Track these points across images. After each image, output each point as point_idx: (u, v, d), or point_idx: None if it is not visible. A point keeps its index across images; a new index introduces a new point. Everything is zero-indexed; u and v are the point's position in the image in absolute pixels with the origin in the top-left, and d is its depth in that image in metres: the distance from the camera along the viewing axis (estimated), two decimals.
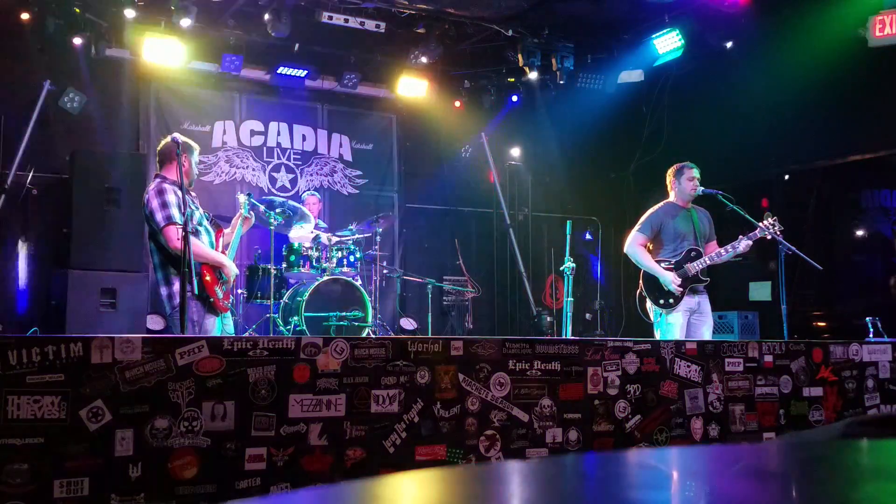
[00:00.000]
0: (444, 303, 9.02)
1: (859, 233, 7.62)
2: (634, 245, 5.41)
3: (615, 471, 0.68)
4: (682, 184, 5.44)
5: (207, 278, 4.40)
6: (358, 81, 8.54)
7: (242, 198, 5.29)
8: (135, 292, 6.80)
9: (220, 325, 4.52)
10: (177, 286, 4.33)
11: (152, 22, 7.48)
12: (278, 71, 8.17)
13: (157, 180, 4.49)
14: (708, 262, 5.28)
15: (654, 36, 8.16)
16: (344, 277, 6.84)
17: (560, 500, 0.59)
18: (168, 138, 4.49)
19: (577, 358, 3.34)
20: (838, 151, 7.54)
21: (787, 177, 8.07)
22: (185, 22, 7.24)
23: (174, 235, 4.30)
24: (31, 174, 7.12)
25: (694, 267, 5.27)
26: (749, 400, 3.74)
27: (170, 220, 4.32)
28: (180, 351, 2.63)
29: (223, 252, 4.72)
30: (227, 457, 2.66)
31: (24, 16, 7.15)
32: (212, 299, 4.38)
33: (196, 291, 4.25)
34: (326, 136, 8.94)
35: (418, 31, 8.05)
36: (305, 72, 8.23)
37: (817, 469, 0.68)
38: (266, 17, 7.38)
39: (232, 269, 4.58)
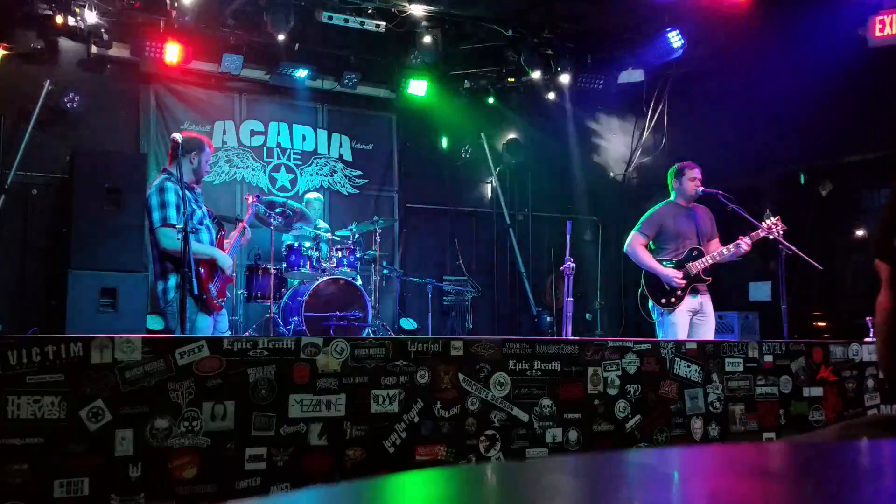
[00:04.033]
0: (444, 303, 9.02)
1: (859, 233, 7.62)
2: (634, 245, 5.42)
3: (615, 471, 0.68)
4: (683, 184, 5.45)
5: (203, 276, 4.40)
6: (358, 81, 8.54)
7: (250, 199, 5.41)
8: (135, 292, 6.80)
9: (211, 325, 4.52)
10: (171, 282, 4.36)
11: (152, 22, 7.48)
12: (278, 71, 8.17)
13: (163, 176, 4.50)
14: (710, 261, 5.28)
15: (665, 31, 8.10)
16: (344, 277, 6.84)
17: (561, 500, 0.59)
18: (176, 134, 4.48)
19: (577, 358, 3.34)
20: (838, 151, 7.54)
21: (786, 177, 8.07)
22: (185, 22, 7.24)
23: (164, 237, 4.32)
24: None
25: (696, 266, 5.27)
26: (749, 400, 3.74)
27: (164, 222, 4.34)
28: (180, 351, 2.63)
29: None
30: (227, 457, 2.66)
31: (25, 16, 7.15)
32: (205, 296, 4.38)
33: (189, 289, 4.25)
34: (326, 136, 8.94)
35: (418, 31, 8.05)
36: (305, 72, 8.23)
37: (816, 469, 0.68)
38: (266, 16, 7.38)
39: (225, 261, 4.58)
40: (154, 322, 6.86)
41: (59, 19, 7.18)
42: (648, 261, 5.36)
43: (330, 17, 7.42)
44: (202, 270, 4.41)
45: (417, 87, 8.75)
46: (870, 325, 5.42)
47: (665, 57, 8.36)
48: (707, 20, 7.80)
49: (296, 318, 6.58)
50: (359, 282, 6.97)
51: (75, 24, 7.24)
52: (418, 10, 7.77)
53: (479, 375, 3.11)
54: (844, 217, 7.73)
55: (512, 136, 9.70)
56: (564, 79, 8.72)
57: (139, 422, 2.55)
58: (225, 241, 4.86)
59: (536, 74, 8.64)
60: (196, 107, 8.25)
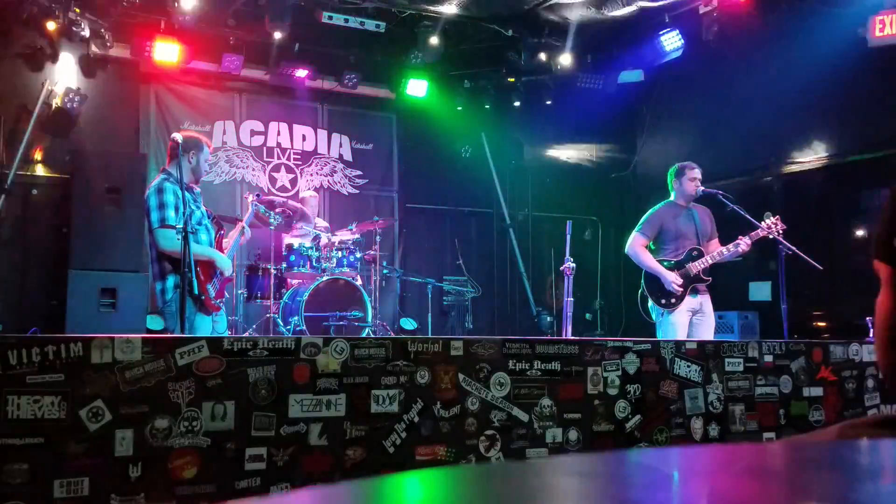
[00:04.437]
0: (444, 303, 9.02)
1: (859, 233, 7.62)
2: (635, 246, 5.42)
3: (615, 471, 0.68)
4: (683, 184, 5.45)
5: (201, 276, 4.40)
6: (358, 81, 8.54)
7: (250, 198, 5.42)
8: (135, 292, 6.80)
9: (210, 325, 4.52)
10: (170, 282, 4.35)
11: (152, 22, 7.48)
12: (278, 71, 8.17)
13: (162, 176, 4.50)
14: (709, 261, 5.28)
15: (661, 33, 8.14)
16: (344, 277, 6.84)
17: (561, 500, 0.59)
18: (175, 134, 4.49)
19: (577, 358, 3.34)
20: (838, 151, 7.54)
21: (786, 177, 8.07)
22: (185, 22, 7.24)
23: (162, 238, 4.31)
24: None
25: (696, 266, 5.27)
26: (749, 400, 3.74)
27: (163, 223, 4.33)
28: (180, 351, 2.63)
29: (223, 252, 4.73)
30: (227, 457, 2.66)
31: (25, 16, 7.15)
32: (203, 297, 4.37)
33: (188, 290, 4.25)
34: (326, 136, 8.94)
35: (418, 31, 8.05)
36: (305, 72, 8.23)
37: (816, 469, 0.68)
38: (266, 16, 7.38)
39: (223, 263, 4.58)
40: (154, 322, 6.86)
41: (59, 20, 7.18)
42: (649, 262, 5.36)
43: (330, 17, 7.42)
44: (200, 271, 4.40)
45: (416, 88, 8.75)
46: (870, 325, 5.43)
47: (660, 59, 8.37)
48: (707, 20, 7.80)
49: (296, 318, 6.57)
50: (359, 282, 6.97)
51: (75, 24, 7.24)
52: (418, 10, 7.77)
53: (479, 375, 3.11)
54: (844, 217, 7.72)
55: (512, 135, 9.70)
56: (564, 78, 8.72)
57: (139, 422, 2.55)
58: (224, 241, 4.86)
59: (536, 74, 8.64)
60: (196, 107, 8.25)
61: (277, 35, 7.54)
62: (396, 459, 2.92)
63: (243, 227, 5.00)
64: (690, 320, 5.32)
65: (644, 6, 7.61)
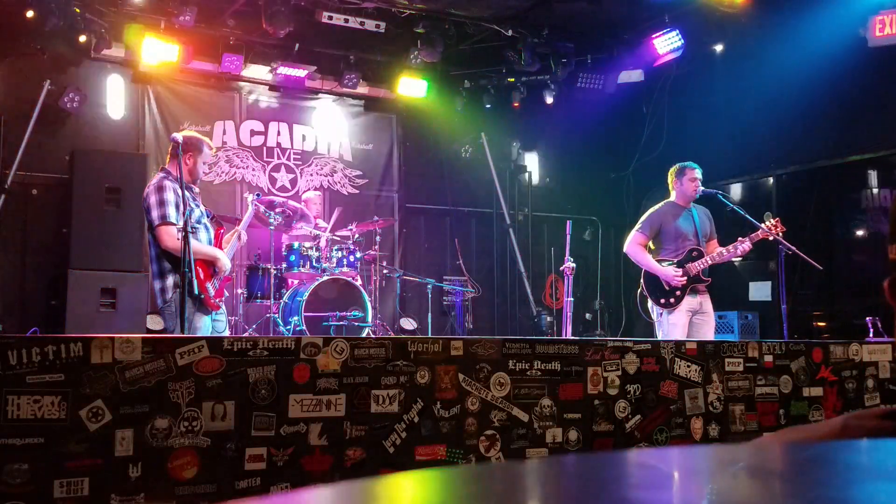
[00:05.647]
0: (444, 303, 9.02)
1: (859, 233, 7.62)
2: (634, 245, 5.42)
3: (615, 471, 0.68)
4: (683, 184, 5.45)
5: (201, 275, 4.40)
6: (358, 81, 8.54)
7: (249, 199, 5.44)
8: (135, 292, 6.80)
9: (210, 325, 4.52)
10: (169, 281, 4.35)
11: (152, 22, 7.48)
12: (278, 71, 8.17)
13: (161, 175, 4.50)
14: (709, 261, 5.28)
15: (654, 36, 8.17)
16: (344, 277, 6.84)
17: (560, 500, 0.59)
18: (176, 134, 4.50)
19: (577, 358, 3.34)
20: (838, 151, 7.54)
21: (786, 177, 8.07)
22: (185, 22, 7.24)
23: (165, 235, 4.32)
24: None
25: (695, 267, 5.27)
26: (749, 400, 3.74)
27: (164, 220, 4.33)
28: (180, 351, 2.63)
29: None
30: (227, 457, 2.66)
31: (25, 16, 7.15)
32: (203, 296, 4.37)
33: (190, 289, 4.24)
34: (326, 135, 8.94)
35: (418, 31, 8.05)
36: (305, 72, 8.23)
37: (816, 469, 0.68)
38: (266, 16, 7.38)
39: (225, 263, 4.58)
40: (154, 322, 6.86)
41: (59, 20, 7.17)
42: (648, 261, 5.36)
43: (330, 17, 7.42)
44: (200, 270, 4.40)
45: (417, 87, 8.75)
46: (870, 324, 5.43)
47: (660, 59, 8.38)
48: (707, 20, 7.80)
49: (296, 318, 6.57)
50: (359, 282, 6.97)
51: (75, 24, 7.23)
52: (418, 10, 7.77)
53: (479, 375, 3.11)
54: (844, 217, 7.72)
55: (512, 135, 9.70)
56: (564, 79, 8.72)
57: (139, 422, 2.55)
58: (223, 241, 4.86)
59: (536, 74, 8.63)
60: (196, 107, 8.25)
61: (278, 35, 7.54)
62: (396, 459, 2.92)
63: (239, 234, 4.98)
64: (690, 320, 5.33)
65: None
